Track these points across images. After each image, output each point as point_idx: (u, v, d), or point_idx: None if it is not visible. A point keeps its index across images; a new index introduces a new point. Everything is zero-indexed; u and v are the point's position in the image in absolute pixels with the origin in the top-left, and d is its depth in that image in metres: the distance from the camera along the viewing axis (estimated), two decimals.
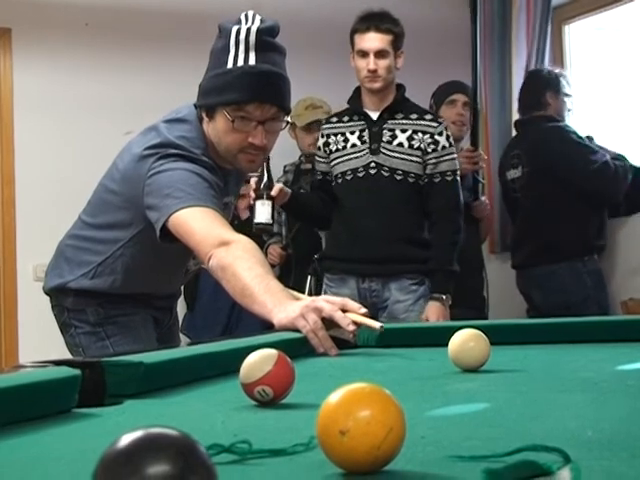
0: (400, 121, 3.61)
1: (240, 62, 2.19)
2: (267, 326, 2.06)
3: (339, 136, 3.66)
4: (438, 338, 1.81)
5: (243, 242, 2.07)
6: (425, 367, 1.69)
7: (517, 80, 5.09)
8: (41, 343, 3.50)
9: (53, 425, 1.10)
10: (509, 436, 0.94)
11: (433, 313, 3.48)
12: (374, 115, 3.62)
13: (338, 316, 1.87)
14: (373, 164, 3.57)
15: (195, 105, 2.35)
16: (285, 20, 2.52)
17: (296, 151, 4.68)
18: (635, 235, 4.67)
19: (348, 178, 3.61)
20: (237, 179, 2.55)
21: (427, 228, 3.66)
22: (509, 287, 4.69)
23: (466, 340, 1.49)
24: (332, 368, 1.69)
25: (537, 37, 5.13)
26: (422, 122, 3.61)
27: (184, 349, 1.52)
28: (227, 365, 1.47)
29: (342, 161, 3.63)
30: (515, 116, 4.90)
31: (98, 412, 1.19)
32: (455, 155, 3.69)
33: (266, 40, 2.22)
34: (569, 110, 4.49)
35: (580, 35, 5.33)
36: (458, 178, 3.65)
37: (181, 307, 4.52)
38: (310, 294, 3.78)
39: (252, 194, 3.15)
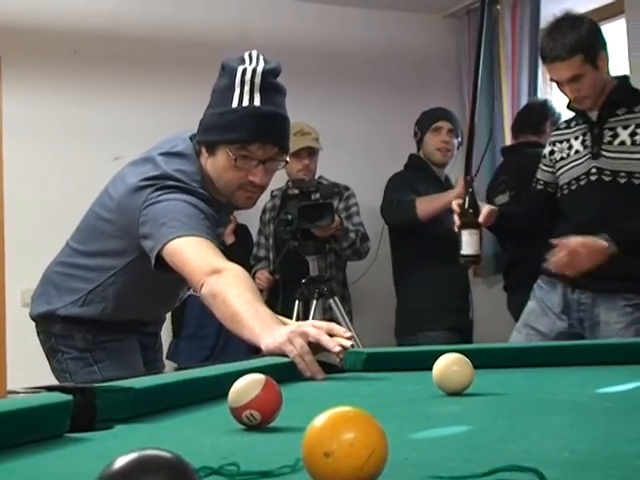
0: (623, 117, 3.25)
1: (245, 102, 2.23)
2: (253, 352, 2.10)
3: (564, 143, 3.40)
4: (423, 362, 1.85)
5: (234, 270, 2.10)
6: (410, 391, 1.72)
7: (508, 106, 5.17)
8: (29, 368, 3.52)
9: (46, 449, 1.12)
10: (488, 457, 0.97)
11: None
12: (594, 115, 3.30)
13: (324, 340, 1.91)
14: (594, 169, 3.25)
15: (191, 138, 2.39)
16: (272, 47, 2.57)
17: (283, 176, 4.74)
18: None
19: (573, 188, 3.34)
20: (228, 211, 2.58)
21: None
22: (495, 310, 4.73)
23: (450, 364, 1.52)
24: (318, 392, 1.72)
25: (527, 61, 5.20)
26: None
27: (174, 374, 1.55)
28: (216, 389, 1.49)
29: (565, 170, 3.37)
30: (507, 142, 4.98)
31: (90, 436, 1.22)
32: None
33: (271, 82, 2.26)
34: None
35: None
36: None
37: (167, 333, 4.55)
38: (298, 319, 3.80)
39: (457, 221, 3.09)
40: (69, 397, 1.23)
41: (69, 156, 5.05)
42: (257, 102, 2.24)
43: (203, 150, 2.34)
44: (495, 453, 1.00)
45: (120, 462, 0.60)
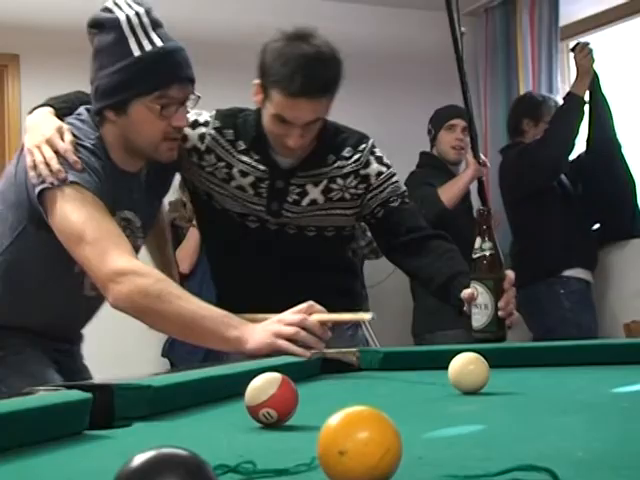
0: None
1: (147, 47, 2.04)
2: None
3: None
4: (439, 361, 1.86)
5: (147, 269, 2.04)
6: (426, 390, 1.72)
7: None
8: None
9: (65, 447, 1.14)
10: (502, 456, 0.98)
11: None
12: None
13: (301, 337, 1.91)
14: None
15: (88, 110, 2.15)
16: None
17: None
18: (636, 257, 4.71)
19: None
20: (143, 190, 2.25)
21: None
22: None
23: (466, 364, 1.53)
24: (334, 391, 1.73)
25: (545, 59, 5.20)
26: None
27: (190, 372, 1.56)
28: (232, 388, 1.51)
29: None
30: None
31: (108, 434, 1.23)
32: None
33: (154, 19, 2.08)
34: None
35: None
36: None
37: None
38: None
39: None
40: (88, 395, 1.25)
41: None
42: (158, 43, 2.04)
43: (109, 115, 2.09)
44: (509, 452, 1.01)
45: (138, 460, 0.61)
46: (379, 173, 2.42)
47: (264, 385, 1.22)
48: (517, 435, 1.15)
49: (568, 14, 5.23)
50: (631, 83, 5.08)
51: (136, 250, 2.18)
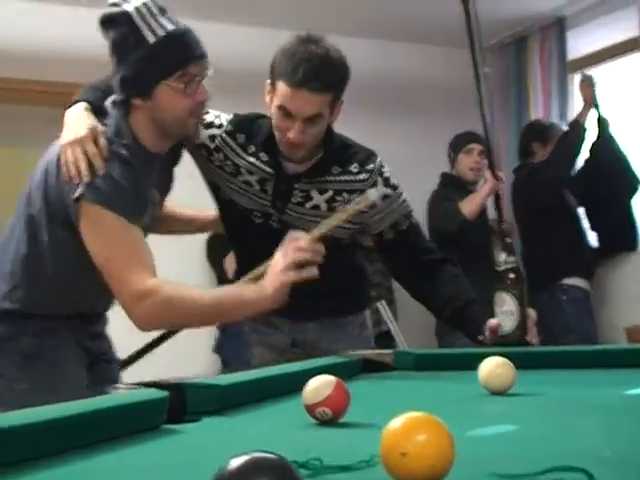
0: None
1: (160, 32, 1.98)
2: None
3: None
4: (467, 363, 1.86)
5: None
6: (457, 390, 1.72)
7: None
8: None
9: (147, 440, 1.15)
10: (535, 455, 0.98)
11: None
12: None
13: (303, 260, 1.91)
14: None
15: (115, 102, 2.07)
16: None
17: None
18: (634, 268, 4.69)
19: None
20: (163, 166, 2.18)
21: None
22: None
23: (494, 368, 1.52)
24: (377, 390, 1.73)
25: (555, 90, 5.19)
26: None
27: (251, 372, 1.56)
28: (288, 386, 1.53)
29: None
30: None
31: (181, 428, 1.24)
32: None
33: (161, 7, 2.02)
34: None
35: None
36: None
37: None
38: None
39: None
40: (166, 393, 1.26)
41: None
42: (169, 27, 1.99)
43: (136, 102, 2.03)
44: (540, 451, 1.01)
45: (235, 463, 0.62)
46: (385, 196, 2.26)
47: (320, 386, 1.23)
48: (545, 435, 1.15)
49: (576, 49, 5.22)
50: (633, 111, 5.05)
51: (154, 221, 2.15)
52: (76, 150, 1.96)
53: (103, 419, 1.12)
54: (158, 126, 2.04)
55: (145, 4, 1.99)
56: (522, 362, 1.77)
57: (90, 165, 1.94)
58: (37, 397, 1.86)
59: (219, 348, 4.69)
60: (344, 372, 1.74)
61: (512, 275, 2.18)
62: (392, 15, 5.21)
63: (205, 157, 2.29)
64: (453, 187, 4.54)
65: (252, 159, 2.25)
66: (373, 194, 2.15)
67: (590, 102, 4.34)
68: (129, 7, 1.99)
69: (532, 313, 2.19)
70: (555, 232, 4.46)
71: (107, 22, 2.02)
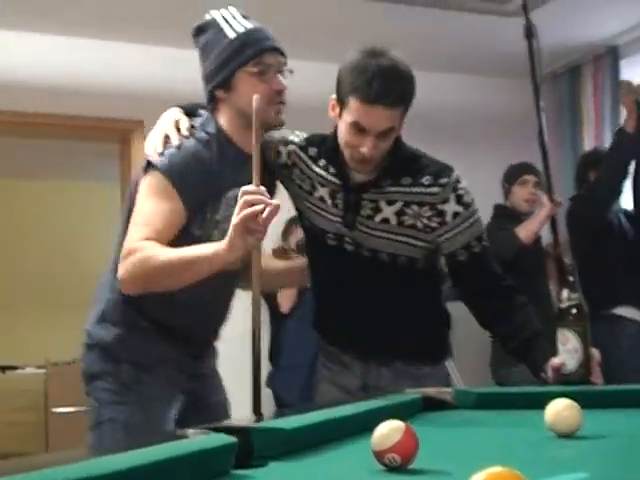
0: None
1: (240, 29, 2.20)
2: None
3: None
4: (530, 402, 1.85)
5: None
6: (523, 432, 1.67)
7: None
8: None
9: None
10: None
11: None
12: None
13: (255, 203, 1.89)
14: None
15: (209, 100, 2.26)
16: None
17: None
18: None
19: None
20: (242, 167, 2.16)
21: None
22: None
23: (560, 410, 1.51)
24: (442, 433, 1.71)
25: (608, 119, 5.16)
26: None
27: (317, 414, 1.55)
28: (354, 427, 1.53)
29: None
30: None
31: (250, 474, 1.23)
32: None
33: (244, 14, 2.25)
34: None
35: None
36: None
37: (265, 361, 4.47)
38: None
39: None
40: (234, 439, 1.26)
41: None
42: (248, 25, 2.22)
43: (220, 94, 2.22)
44: None
45: None
46: (456, 214, 2.21)
47: (390, 432, 1.22)
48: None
49: (629, 78, 5.16)
50: None
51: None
52: (157, 134, 2.18)
53: (175, 468, 1.12)
54: (241, 117, 2.16)
55: (229, 10, 2.24)
56: (586, 401, 1.75)
57: (166, 144, 2.14)
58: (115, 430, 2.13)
59: (271, 381, 4.70)
60: (408, 411, 1.74)
61: (575, 312, 2.16)
62: (443, 47, 5.23)
63: (288, 177, 2.36)
64: (507, 218, 4.51)
65: (322, 172, 2.30)
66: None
67: (630, 109, 4.22)
68: (216, 14, 2.25)
69: (595, 353, 2.17)
70: (606, 258, 4.36)
71: (197, 31, 2.27)
